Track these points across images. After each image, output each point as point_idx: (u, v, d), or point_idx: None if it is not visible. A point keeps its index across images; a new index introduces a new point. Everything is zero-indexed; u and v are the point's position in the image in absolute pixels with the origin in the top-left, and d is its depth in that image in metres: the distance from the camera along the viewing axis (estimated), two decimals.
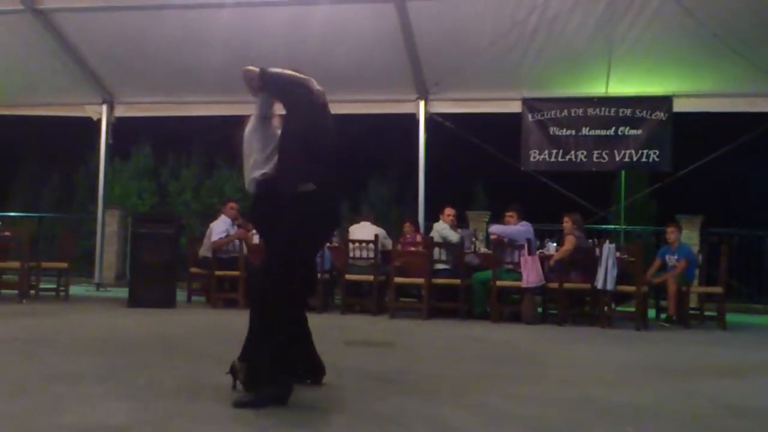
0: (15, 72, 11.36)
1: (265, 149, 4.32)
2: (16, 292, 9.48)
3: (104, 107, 11.99)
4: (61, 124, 13.25)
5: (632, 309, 8.63)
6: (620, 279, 8.34)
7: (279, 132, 4.36)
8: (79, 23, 10.43)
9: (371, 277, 9.15)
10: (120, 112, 12.15)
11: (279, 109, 4.46)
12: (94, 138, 12.39)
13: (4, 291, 9.75)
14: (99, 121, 12.07)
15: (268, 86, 4.30)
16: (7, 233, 10.01)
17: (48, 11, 10.22)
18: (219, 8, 9.74)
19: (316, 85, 4.28)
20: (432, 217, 10.04)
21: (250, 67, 4.30)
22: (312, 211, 4.11)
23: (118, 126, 12.27)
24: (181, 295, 9.88)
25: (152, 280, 9.21)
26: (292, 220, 4.07)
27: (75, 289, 10.49)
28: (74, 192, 18.39)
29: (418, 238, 9.73)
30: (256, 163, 4.33)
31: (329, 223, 4.56)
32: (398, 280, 9.02)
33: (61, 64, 11.02)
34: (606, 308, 8.57)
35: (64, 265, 9.94)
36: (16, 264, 9.52)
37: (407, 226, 10.04)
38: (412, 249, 9.44)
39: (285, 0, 9.70)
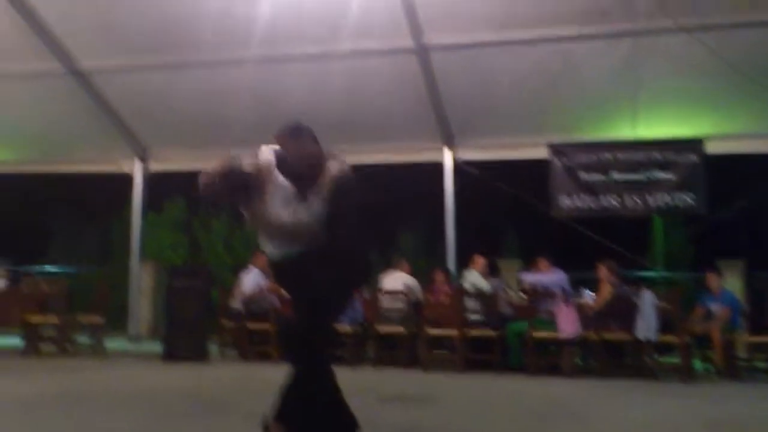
0: (53, 130, 11.69)
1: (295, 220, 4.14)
2: (53, 346, 9.55)
3: (139, 162, 12.18)
4: (97, 179, 13.48)
5: (676, 360, 8.38)
6: (661, 328, 8.12)
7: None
8: (115, 82, 10.70)
9: (403, 329, 9.08)
10: (154, 166, 12.33)
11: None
12: (128, 193, 12.57)
13: (41, 345, 9.81)
14: (133, 176, 12.26)
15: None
16: (44, 288, 10.12)
17: (86, 72, 10.49)
18: (244, 64, 9.90)
19: (337, 167, 4.15)
20: (462, 265, 9.97)
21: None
22: (344, 265, 4.10)
23: (152, 180, 12.45)
24: (213, 348, 9.88)
25: (185, 334, 9.23)
26: (323, 275, 4.05)
27: (110, 343, 10.52)
28: (110, 246, 18.62)
29: (448, 288, 9.65)
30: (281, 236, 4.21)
31: (361, 276, 4.53)
32: (431, 331, 8.92)
33: (97, 122, 11.28)
34: (648, 359, 8.35)
35: (100, 319, 10.01)
36: (53, 319, 9.62)
37: (438, 275, 9.99)
38: (444, 299, 9.35)
39: (308, 54, 9.79)
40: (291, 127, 4.34)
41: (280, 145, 4.30)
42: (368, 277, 4.60)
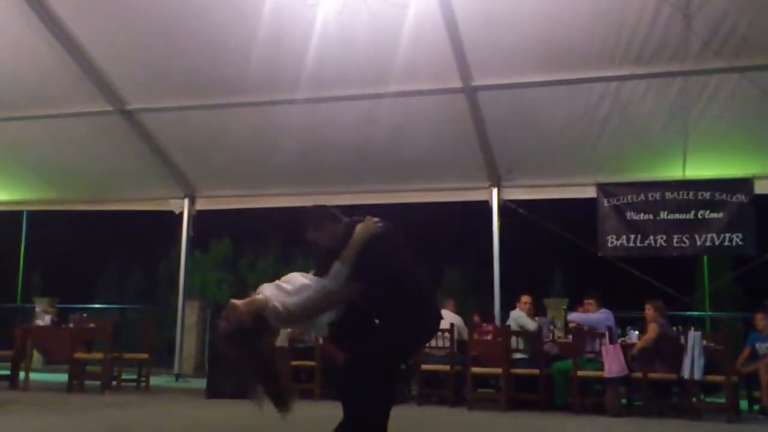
0: (103, 169, 11.90)
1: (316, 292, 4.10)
2: (98, 382, 9.67)
3: (186, 201, 12.35)
4: (144, 217, 13.72)
5: (722, 400, 8.26)
6: (708, 368, 8.00)
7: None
8: (163, 122, 10.88)
9: (448, 367, 9.02)
10: (201, 205, 12.48)
11: None
12: (175, 231, 12.74)
13: (87, 382, 9.94)
14: (181, 214, 12.41)
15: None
16: (91, 325, 10.27)
17: (135, 111, 10.71)
18: (291, 104, 10.03)
19: (362, 227, 4.18)
20: (508, 305, 9.90)
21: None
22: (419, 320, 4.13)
23: (199, 218, 12.60)
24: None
25: (231, 371, 9.26)
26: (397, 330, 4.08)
27: (155, 380, 10.63)
28: (156, 284, 18.89)
29: (490, 327, 9.60)
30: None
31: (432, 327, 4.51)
32: (476, 370, 8.86)
33: (145, 161, 11.47)
34: (694, 399, 8.21)
35: (145, 356, 10.13)
36: (99, 355, 9.75)
37: (476, 318, 9.97)
38: (488, 338, 9.29)
39: (354, 94, 9.86)
40: (308, 219, 4.43)
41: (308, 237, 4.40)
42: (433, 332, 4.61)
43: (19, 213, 13.99)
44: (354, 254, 4.07)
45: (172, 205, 12.47)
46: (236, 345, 4.06)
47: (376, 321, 4.16)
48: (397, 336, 4.07)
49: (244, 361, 4.10)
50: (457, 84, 9.42)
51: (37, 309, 12.26)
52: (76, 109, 10.59)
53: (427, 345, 9.03)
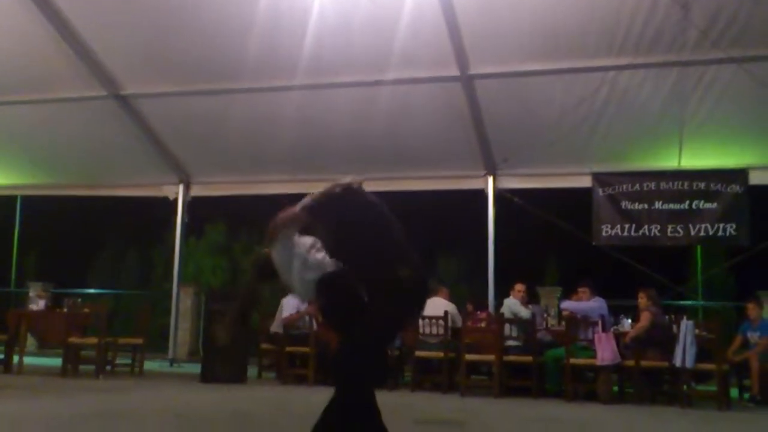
0: (97, 154, 11.88)
1: (310, 251, 4.29)
2: (92, 367, 9.68)
3: (180, 187, 12.34)
4: (139, 203, 13.70)
5: (713, 388, 8.32)
6: (700, 357, 8.06)
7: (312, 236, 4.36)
8: (158, 107, 10.85)
9: (441, 354, 9.06)
10: (195, 191, 12.48)
11: None
12: (170, 216, 12.73)
13: (81, 366, 9.95)
14: (175, 200, 12.41)
15: (321, 216, 4.28)
16: (85, 310, 10.27)
17: (129, 96, 10.68)
18: (289, 91, 10.01)
19: (345, 180, 4.27)
20: (502, 293, 9.94)
21: (287, 212, 4.24)
22: (405, 297, 4.14)
23: (193, 204, 12.59)
24: (252, 370, 9.94)
25: (224, 357, 9.31)
26: (384, 307, 4.07)
27: (149, 365, 10.64)
28: (151, 269, 18.88)
29: (484, 315, 9.65)
30: (305, 268, 4.29)
31: (417, 306, 4.53)
32: (469, 357, 8.90)
33: (140, 146, 11.45)
34: (685, 387, 8.27)
35: (140, 341, 10.14)
36: (93, 340, 9.76)
37: (470, 306, 10.02)
38: (482, 325, 9.34)
39: (352, 81, 9.86)
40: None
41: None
42: (423, 303, 4.62)
43: (13, 197, 13.96)
44: (325, 193, 4.20)
45: (167, 191, 12.46)
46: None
47: (365, 298, 4.15)
48: (386, 310, 4.07)
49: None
50: (454, 72, 9.41)
51: (31, 293, 12.25)
52: (70, 93, 10.56)
53: (421, 332, 9.11)
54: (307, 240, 4.34)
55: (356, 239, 4.19)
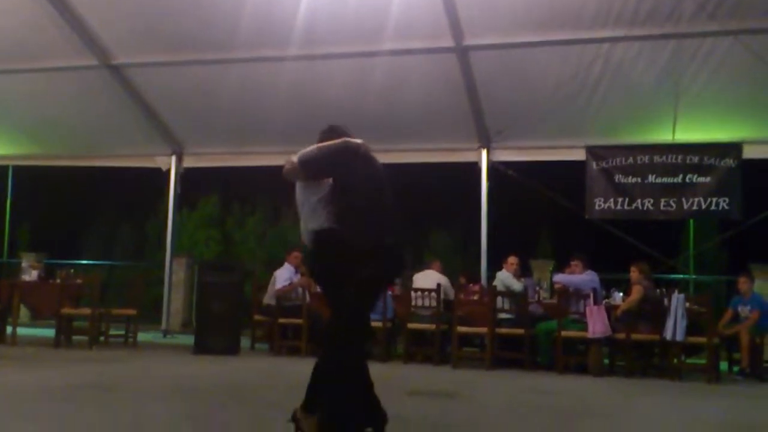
0: (89, 125, 11.80)
1: (319, 200, 4.37)
2: (86, 338, 9.69)
3: (173, 158, 12.28)
4: (132, 174, 13.65)
5: (703, 361, 8.40)
6: (690, 330, 8.12)
7: (329, 183, 4.42)
8: (150, 77, 10.77)
9: (434, 326, 9.10)
10: (188, 162, 12.42)
11: None
12: (163, 188, 12.69)
13: (74, 337, 9.96)
14: (168, 171, 12.36)
15: (312, 173, 4.35)
16: (78, 280, 10.26)
17: (121, 66, 10.59)
18: (283, 61, 9.94)
19: (355, 141, 4.34)
20: (495, 266, 9.96)
21: (288, 162, 4.35)
22: (388, 261, 4.15)
23: (186, 176, 12.54)
24: (245, 342, 9.98)
25: (217, 328, 9.33)
26: (367, 271, 4.08)
27: (143, 336, 10.66)
28: (144, 241, 18.86)
29: (476, 287, 9.68)
30: (311, 215, 4.38)
31: (395, 272, 4.57)
32: (461, 329, 8.93)
33: (132, 117, 11.38)
34: (676, 360, 8.34)
35: (133, 312, 10.14)
36: (86, 311, 9.76)
37: (462, 279, 10.04)
38: (475, 298, 9.36)
39: (347, 52, 9.79)
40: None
41: None
42: (401, 271, 4.65)
43: (5, 168, 13.88)
44: (326, 147, 4.31)
45: (159, 162, 12.40)
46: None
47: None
48: (368, 276, 4.09)
49: None
50: (449, 43, 9.35)
51: (24, 264, 12.20)
52: (61, 63, 10.47)
53: (415, 305, 9.14)
54: (322, 189, 4.38)
55: (348, 200, 4.25)
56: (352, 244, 4.15)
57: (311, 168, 4.30)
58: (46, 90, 11.06)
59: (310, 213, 4.38)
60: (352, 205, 4.23)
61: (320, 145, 4.37)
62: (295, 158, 4.30)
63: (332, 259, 4.28)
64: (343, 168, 4.30)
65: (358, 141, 4.36)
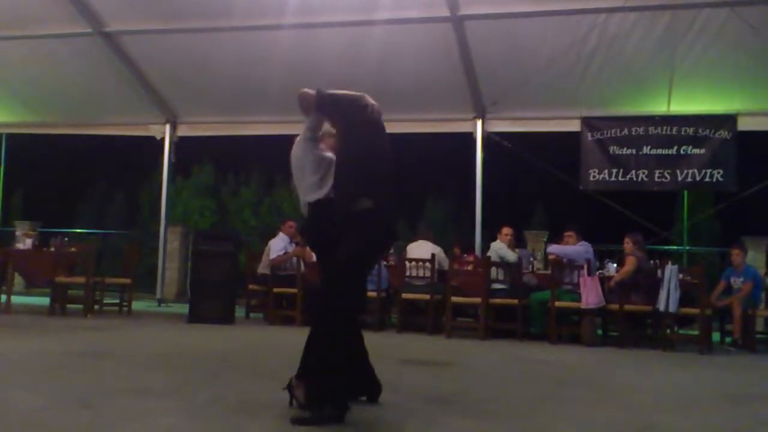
0: (83, 92, 11.72)
1: (317, 172, 4.40)
2: (80, 306, 9.71)
3: (167, 127, 12.23)
4: (126, 143, 13.59)
5: (695, 332, 8.46)
6: (683, 301, 8.17)
7: (330, 154, 4.43)
8: (144, 45, 10.70)
9: (428, 296, 9.13)
10: (182, 131, 12.38)
11: (327, 127, 4.52)
12: (157, 157, 12.65)
13: (69, 306, 9.98)
14: (162, 140, 12.31)
15: (325, 108, 4.33)
16: (73, 249, 10.25)
17: (114, 34, 10.50)
18: (278, 29, 9.86)
19: (371, 100, 4.31)
20: (489, 236, 9.98)
21: (307, 90, 4.30)
22: (370, 229, 4.14)
23: (181, 145, 12.49)
24: (239, 311, 10.01)
25: (212, 297, 9.36)
26: (350, 239, 4.09)
27: (137, 305, 10.69)
28: (138, 210, 18.83)
29: (471, 258, 9.71)
30: (310, 186, 4.39)
31: (386, 240, 4.57)
32: (455, 299, 8.97)
33: (126, 85, 11.32)
34: (668, 331, 8.41)
35: (128, 281, 10.16)
36: (81, 279, 9.77)
37: (457, 250, 10.06)
38: (469, 268, 9.39)
39: (342, 21, 9.72)
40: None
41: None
42: (392, 241, 4.66)
43: None
44: (344, 95, 4.28)
45: (154, 131, 12.35)
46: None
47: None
48: (358, 242, 4.11)
49: None
50: (445, 13, 9.30)
51: (18, 232, 12.17)
52: (54, 29, 10.38)
53: (409, 275, 9.17)
54: (322, 167, 4.40)
55: (346, 156, 4.28)
56: (341, 209, 4.17)
57: (326, 102, 4.27)
58: (39, 57, 10.96)
59: (309, 188, 4.40)
60: (347, 169, 4.23)
61: (343, 91, 4.34)
62: (312, 90, 4.27)
63: (324, 226, 4.30)
64: (353, 122, 4.29)
65: (374, 102, 4.33)
